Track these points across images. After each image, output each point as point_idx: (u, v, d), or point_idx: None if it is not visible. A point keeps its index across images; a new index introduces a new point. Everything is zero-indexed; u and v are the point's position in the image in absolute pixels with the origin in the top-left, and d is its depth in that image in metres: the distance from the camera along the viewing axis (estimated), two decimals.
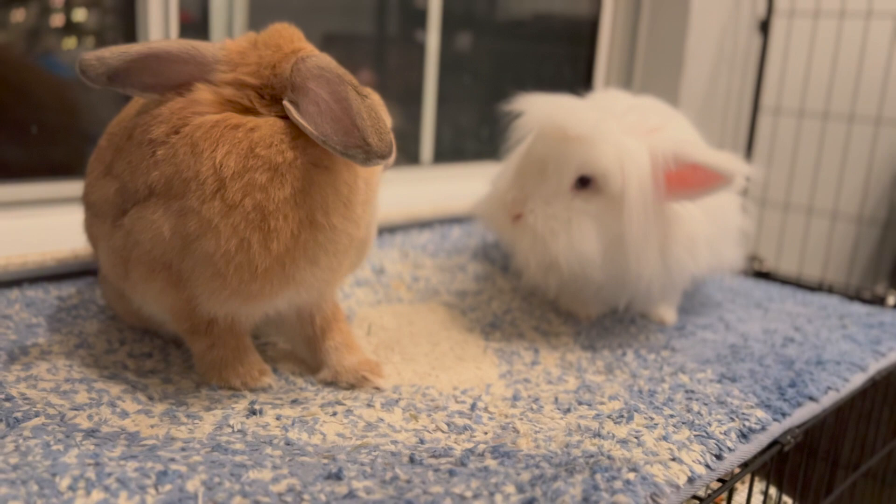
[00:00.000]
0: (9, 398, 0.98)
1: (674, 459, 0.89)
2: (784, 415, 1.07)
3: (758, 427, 1.02)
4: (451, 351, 1.27)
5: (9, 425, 0.92)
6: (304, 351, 1.16)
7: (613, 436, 0.94)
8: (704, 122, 3.18)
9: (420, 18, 2.55)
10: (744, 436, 0.99)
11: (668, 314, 1.51)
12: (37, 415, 0.95)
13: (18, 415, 0.94)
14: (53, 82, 1.84)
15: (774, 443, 1.03)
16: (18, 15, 1.78)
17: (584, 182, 1.28)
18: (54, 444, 0.88)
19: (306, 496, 0.80)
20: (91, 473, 0.82)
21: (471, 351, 1.28)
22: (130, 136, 1.00)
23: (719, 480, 0.95)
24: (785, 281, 1.82)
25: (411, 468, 0.87)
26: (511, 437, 0.95)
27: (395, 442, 0.94)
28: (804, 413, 1.11)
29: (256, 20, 2.15)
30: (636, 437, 0.93)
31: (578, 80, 3.08)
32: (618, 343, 1.35)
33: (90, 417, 0.96)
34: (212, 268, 0.96)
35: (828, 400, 1.16)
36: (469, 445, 0.93)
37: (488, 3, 2.91)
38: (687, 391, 1.11)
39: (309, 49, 1.00)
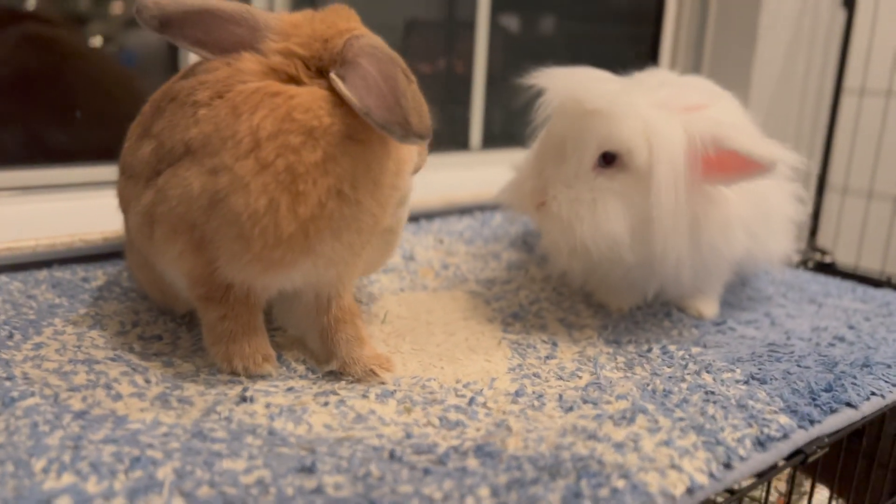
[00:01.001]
0: (10, 377, 1.00)
1: (673, 467, 0.82)
2: (812, 422, 0.97)
3: (779, 434, 0.93)
4: (465, 342, 1.23)
5: (4, 404, 0.94)
6: (315, 340, 1.14)
7: (610, 438, 0.88)
8: (780, 104, 3.01)
9: (502, 2, 2.51)
10: (761, 444, 0.91)
11: (708, 308, 1.41)
12: (32, 395, 0.96)
13: (15, 394, 0.96)
14: (120, 71, 1.89)
15: (798, 452, 0.94)
16: (117, 7, 1.84)
17: (608, 159, 1.20)
18: (42, 424, 0.89)
19: (273, 489, 0.78)
20: (67, 456, 0.82)
21: (485, 342, 1.23)
22: (174, 98, 1.02)
23: (728, 491, 0.87)
24: (848, 275, 1.69)
25: (388, 465, 0.83)
26: (501, 435, 0.90)
27: (380, 436, 0.91)
28: (839, 420, 1.01)
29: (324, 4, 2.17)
30: (634, 441, 0.87)
31: (642, 60, 2.95)
32: (645, 338, 1.27)
33: (84, 399, 0.96)
34: (237, 228, 0.95)
35: (869, 406, 1.06)
36: (456, 443, 0.89)
37: None
38: (707, 392, 1.03)
39: (364, 30, 1.00)
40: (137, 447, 0.85)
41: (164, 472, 0.80)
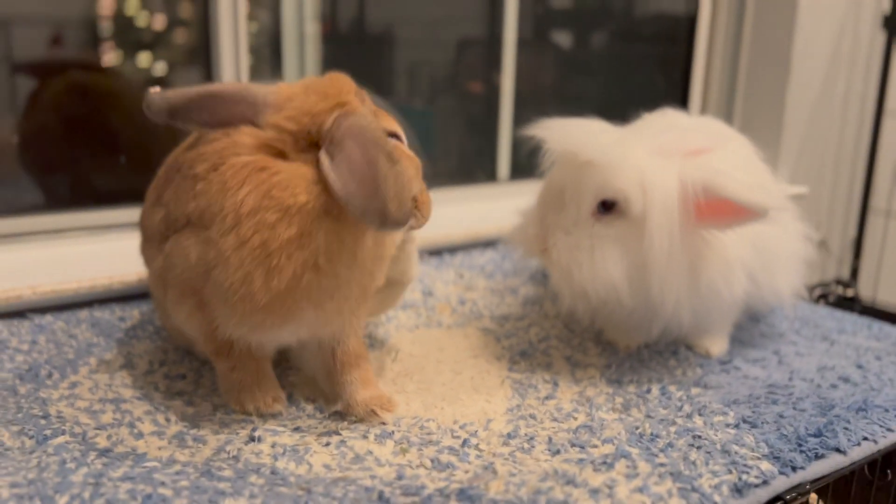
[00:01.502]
0: (45, 416, 1.10)
1: None
2: (795, 468, 1.00)
3: (758, 481, 0.96)
4: (471, 381, 1.28)
5: (38, 442, 1.04)
6: (323, 381, 1.21)
7: (587, 484, 0.92)
8: (818, 128, 2.98)
9: (553, 20, 2.58)
10: (738, 490, 0.94)
11: (715, 346, 1.44)
12: (63, 433, 1.05)
13: (48, 432, 1.06)
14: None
15: (776, 498, 0.96)
16: (180, 36, 1.98)
17: (607, 206, 1.25)
18: (69, 462, 0.98)
19: None
20: (87, 493, 0.90)
21: (489, 381, 1.28)
22: (179, 169, 1.11)
23: None
24: (868, 309, 1.68)
25: None
26: (486, 478, 0.95)
27: (373, 477, 0.97)
28: (824, 466, 1.03)
29: (394, 24, 2.30)
30: (609, 487, 0.91)
31: (673, 84, 2.97)
32: (648, 377, 1.31)
33: (109, 437, 1.05)
34: (222, 295, 1.02)
35: (859, 452, 1.07)
36: (443, 485, 0.94)
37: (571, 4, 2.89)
38: (694, 436, 1.06)
39: (354, 105, 1.05)
40: (151, 485, 0.93)
41: None
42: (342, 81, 1.06)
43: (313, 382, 1.25)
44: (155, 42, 1.97)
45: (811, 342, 1.51)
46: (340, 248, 1.02)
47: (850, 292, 1.80)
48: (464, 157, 2.64)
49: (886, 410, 1.16)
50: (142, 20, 1.95)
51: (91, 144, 1.86)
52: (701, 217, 1.20)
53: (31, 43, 1.79)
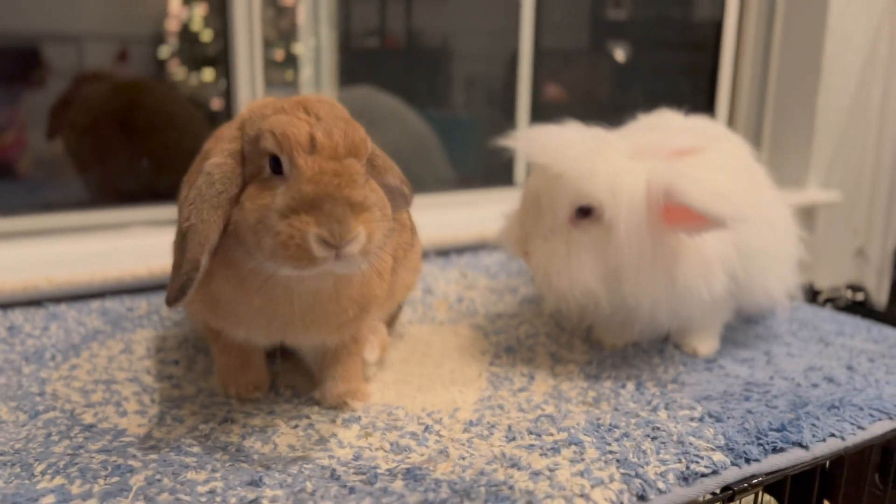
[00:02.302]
0: (41, 394, 1.18)
1: (581, 496, 0.89)
2: (749, 460, 1.00)
3: (707, 471, 0.97)
4: (450, 374, 1.32)
5: (30, 416, 1.11)
6: (312, 363, 1.25)
7: (530, 467, 0.94)
8: (853, 133, 2.91)
9: (609, 31, 2.62)
10: (685, 479, 0.95)
11: (704, 345, 1.43)
12: (53, 409, 1.13)
13: (41, 408, 1.13)
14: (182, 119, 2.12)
15: (726, 488, 0.97)
16: None
17: (584, 212, 1.27)
18: (54, 434, 1.06)
19: (219, 498, 0.90)
20: (63, 462, 0.97)
21: (467, 374, 1.31)
22: (199, 167, 1.16)
23: None
24: (872, 313, 1.65)
25: (324, 483, 0.94)
26: (437, 461, 0.99)
27: (332, 457, 1.01)
28: (782, 460, 1.03)
29: (455, 41, 2.38)
30: (551, 470, 0.93)
31: (699, 91, 2.95)
32: (626, 374, 1.32)
33: (95, 415, 1.13)
34: (209, 299, 1.08)
35: (824, 448, 1.06)
36: (393, 465, 0.98)
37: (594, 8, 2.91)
38: (653, 428, 1.07)
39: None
40: (123, 457, 0.99)
41: (136, 480, 0.94)
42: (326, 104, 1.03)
43: (297, 370, 1.30)
44: (218, 58, 2.07)
45: (806, 344, 1.49)
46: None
47: (860, 296, 1.77)
48: (500, 162, 2.68)
49: (861, 409, 1.15)
50: (206, 36, 2.06)
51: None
52: (669, 220, 1.21)
53: (101, 58, 1.92)
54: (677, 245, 1.26)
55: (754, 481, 0.99)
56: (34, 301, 1.54)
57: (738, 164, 1.45)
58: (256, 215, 0.94)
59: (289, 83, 2.19)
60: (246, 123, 1.00)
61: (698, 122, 1.56)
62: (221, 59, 2.04)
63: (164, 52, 2.02)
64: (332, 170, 0.92)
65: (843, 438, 1.09)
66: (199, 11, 2.06)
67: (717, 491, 0.97)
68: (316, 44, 2.12)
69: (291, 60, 2.17)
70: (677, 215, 1.21)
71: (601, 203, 1.23)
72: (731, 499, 0.97)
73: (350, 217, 0.90)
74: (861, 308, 1.74)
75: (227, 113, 2.00)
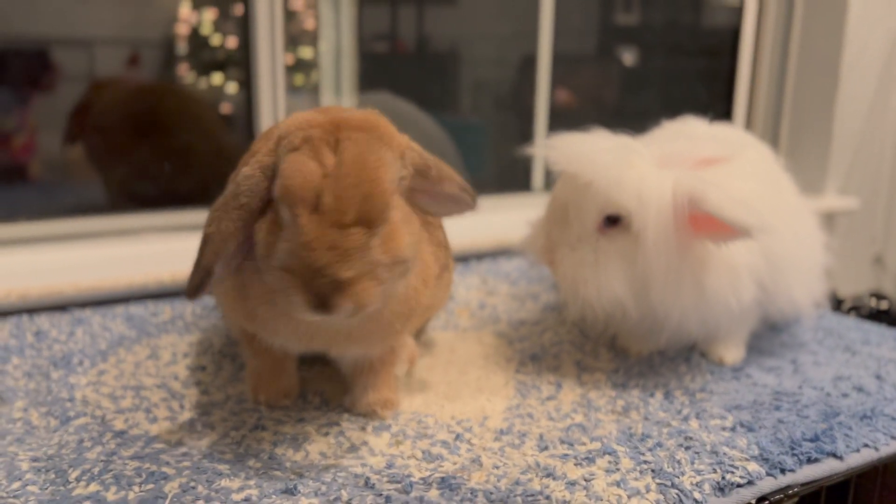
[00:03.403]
0: (71, 399, 1.19)
1: None
2: (784, 470, 0.99)
3: (743, 481, 0.96)
4: (476, 381, 1.31)
5: (61, 422, 1.12)
6: (345, 374, 1.25)
7: (566, 476, 0.94)
8: (871, 141, 2.90)
9: (618, 36, 2.62)
10: (721, 489, 0.95)
11: (729, 354, 1.43)
12: (84, 415, 1.13)
13: (72, 414, 1.14)
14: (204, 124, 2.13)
15: (762, 499, 0.96)
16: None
17: (612, 221, 1.26)
18: (86, 440, 1.06)
19: None
20: (97, 468, 0.98)
21: (494, 382, 1.31)
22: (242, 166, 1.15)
23: None
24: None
25: (359, 491, 0.93)
26: (470, 470, 0.98)
27: (364, 465, 1.01)
28: (817, 470, 1.02)
29: (466, 46, 2.39)
30: (587, 480, 0.93)
31: (718, 97, 2.94)
32: (654, 383, 1.31)
33: (126, 420, 1.13)
34: (246, 311, 1.08)
35: (858, 458, 1.06)
36: (427, 474, 0.98)
37: (626, 17, 2.91)
38: (685, 438, 1.07)
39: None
40: (156, 464, 0.99)
41: (171, 487, 0.94)
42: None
43: (325, 377, 1.30)
44: (227, 62, 2.08)
45: (832, 352, 1.48)
46: None
47: (883, 305, 1.76)
48: (507, 168, 2.69)
49: (893, 419, 1.14)
50: (216, 40, 2.07)
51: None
52: (695, 229, 1.21)
53: (111, 62, 1.93)
54: (705, 254, 1.25)
55: (790, 492, 0.98)
56: (59, 306, 1.54)
57: (764, 173, 1.45)
58: (262, 250, 0.94)
59: (296, 88, 2.18)
60: (281, 141, 0.98)
61: (723, 129, 1.56)
62: (230, 63, 2.05)
63: (176, 55, 2.02)
64: (328, 242, 0.88)
65: (876, 449, 1.08)
66: (209, 16, 2.07)
67: (753, 501, 0.96)
68: (336, 48, 2.12)
69: (299, 65, 2.17)
70: (703, 224, 1.21)
71: (629, 212, 1.23)
72: None
73: (335, 294, 0.88)
74: (885, 316, 1.73)
75: (248, 118, 2.01)
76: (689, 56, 2.99)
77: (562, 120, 2.56)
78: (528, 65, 2.59)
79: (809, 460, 1.03)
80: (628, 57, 2.96)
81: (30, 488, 0.94)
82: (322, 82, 2.13)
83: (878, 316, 1.73)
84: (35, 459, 1.01)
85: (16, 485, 0.94)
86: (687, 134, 1.51)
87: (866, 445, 1.08)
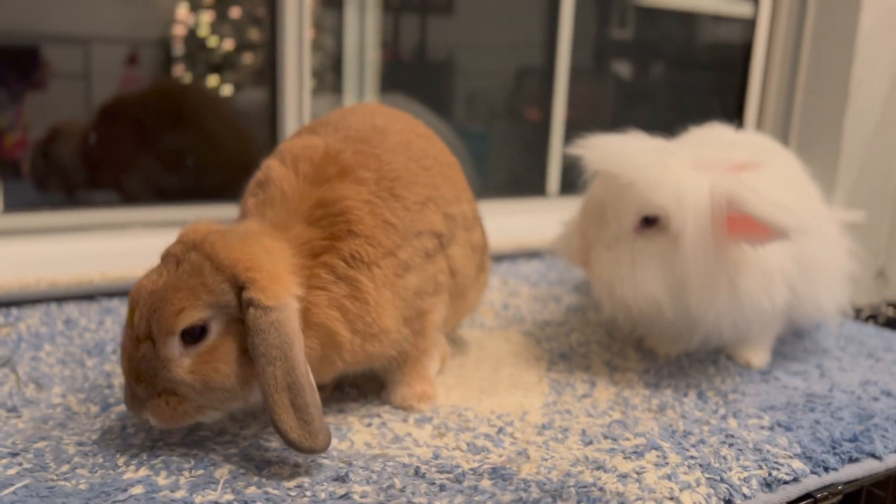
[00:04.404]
0: (109, 386, 1.18)
1: (671, 499, 0.89)
2: (827, 469, 1.01)
3: (789, 478, 0.97)
4: (509, 378, 1.32)
5: (102, 408, 1.11)
6: (379, 371, 1.25)
7: (616, 469, 0.95)
8: (878, 155, 2.94)
9: (612, 50, 2.65)
10: (768, 485, 0.96)
11: (756, 357, 1.44)
12: (124, 402, 1.13)
13: (111, 401, 1.13)
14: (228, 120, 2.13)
15: (807, 496, 0.97)
16: (248, 58, 2.10)
17: (649, 222, 1.27)
18: (130, 427, 1.06)
19: (309, 493, 0.90)
20: (145, 454, 0.97)
21: (527, 379, 1.31)
22: None
23: None
24: None
25: (411, 480, 0.94)
26: (519, 461, 0.99)
27: (411, 455, 1.01)
28: (858, 470, 1.03)
29: (460, 59, 2.40)
30: (638, 474, 0.93)
31: (728, 111, 2.97)
32: (685, 383, 1.32)
33: None
34: None
35: (895, 460, 1.07)
36: (476, 465, 0.98)
37: (627, 31, 2.93)
38: (727, 436, 1.08)
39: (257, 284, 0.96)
40: (203, 450, 0.99)
41: (221, 473, 0.94)
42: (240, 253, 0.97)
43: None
44: (223, 64, 2.08)
45: (855, 359, 1.50)
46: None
47: None
48: (516, 174, 2.70)
49: None
50: (213, 42, 2.07)
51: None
52: (733, 231, 1.22)
53: (109, 62, 1.92)
54: (740, 256, 1.27)
55: (836, 490, 0.99)
56: (87, 295, 1.54)
57: (793, 179, 1.47)
58: None
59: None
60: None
61: (752, 136, 1.58)
62: (227, 66, 2.05)
63: (174, 57, 2.02)
64: (128, 353, 0.95)
65: None
66: (206, 18, 2.07)
67: (798, 498, 0.97)
68: (360, 52, 2.13)
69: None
70: (740, 226, 1.22)
71: (667, 213, 1.24)
72: None
73: (134, 405, 0.96)
74: None
75: (272, 122, 2.01)
76: (699, 69, 3.02)
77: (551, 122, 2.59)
78: (523, 76, 2.60)
79: (851, 460, 1.04)
80: (621, 70, 2.97)
81: (79, 471, 0.93)
82: (346, 84, 2.14)
83: (894, 324, 1.75)
84: (80, 444, 1.01)
85: (64, 467, 0.94)
86: (716, 140, 1.53)
87: None
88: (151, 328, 0.93)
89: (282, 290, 0.96)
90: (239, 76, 2.10)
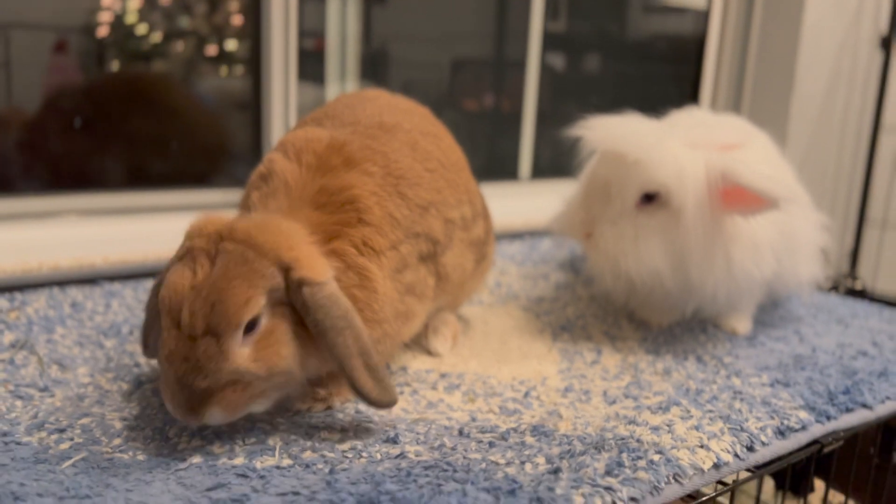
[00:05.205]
0: (137, 364, 1.19)
1: (702, 447, 0.96)
2: (829, 418, 1.10)
3: (798, 426, 1.06)
4: (519, 349, 1.38)
5: (134, 386, 1.12)
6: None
7: (647, 423, 1.02)
8: (819, 141, 3.12)
9: (548, 42, 2.70)
10: (781, 433, 1.04)
11: (741, 324, 1.54)
12: (156, 380, 1.14)
13: (143, 378, 1.14)
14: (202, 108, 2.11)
15: (814, 442, 1.07)
16: (179, 46, 2.06)
17: (649, 198, 1.35)
18: None
19: (365, 454, 0.94)
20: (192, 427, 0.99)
21: (537, 349, 1.38)
22: None
23: (752, 468, 1.01)
24: (876, 299, 1.80)
25: (458, 439, 0.99)
26: (554, 420, 1.05)
27: (449, 419, 1.07)
28: (854, 418, 1.13)
29: (394, 49, 2.39)
30: (668, 426, 1.01)
31: (684, 99, 3.11)
32: (682, 349, 1.41)
33: None
34: None
35: (884, 409, 1.18)
36: (513, 425, 1.04)
37: (592, 24, 3.01)
38: (735, 392, 1.16)
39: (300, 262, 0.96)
40: (250, 421, 1.02)
41: (274, 441, 0.97)
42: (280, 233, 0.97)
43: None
44: (153, 52, 2.03)
45: (827, 325, 1.62)
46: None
47: (858, 284, 1.92)
48: (500, 158, 2.73)
49: None
50: (141, 29, 2.02)
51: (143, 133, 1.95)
52: (725, 203, 1.31)
53: (31, 49, 1.83)
54: (734, 229, 1.36)
55: (837, 437, 1.09)
56: (89, 279, 1.52)
57: (772, 157, 1.58)
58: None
59: (223, 79, 2.14)
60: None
61: (730, 119, 1.68)
62: (157, 53, 2.00)
63: (101, 44, 1.94)
64: (182, 354, 0.89)
65: None
66: (134, 4, 2.03)
67: (807, 444, 1.07)
68: (342, 39, 2.15)
69: (224, 57, 2.12)
70: (734, 198, 1.31)
71: (668, 189, 1.32)
72: (820, 451, 1.07)
73: (196, 403, 0.90)
74: (861, 294, 1.89)
75: (256, 108, 2.01)
76: (654, 60, 3.13)
77: (494, 121, 2.64)
78: (458, 68, 2.63)
79: (847, 409, 1.14)
80: (557, 63, 3.03)
81: (132, 444, 0.95)
82: (328, 72, 2.15)
83: (854, 294, 1.88)
84: (124, 419, 1.02)
85: (116, 440, 0.96)
86: (699, 122, 1.62)
87: (888, 398, 1.20)
88: (211, 324, 0.89)
89: (324, 265, 0.98)
90: (170, 65, 2.06)
